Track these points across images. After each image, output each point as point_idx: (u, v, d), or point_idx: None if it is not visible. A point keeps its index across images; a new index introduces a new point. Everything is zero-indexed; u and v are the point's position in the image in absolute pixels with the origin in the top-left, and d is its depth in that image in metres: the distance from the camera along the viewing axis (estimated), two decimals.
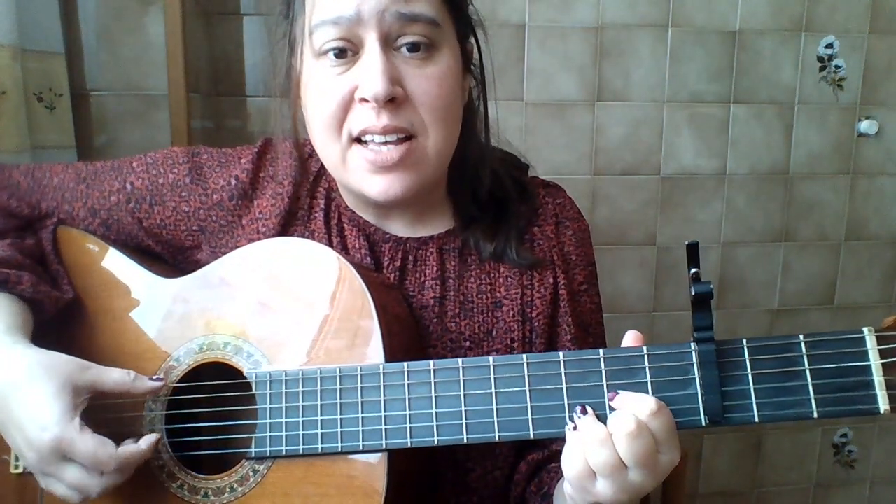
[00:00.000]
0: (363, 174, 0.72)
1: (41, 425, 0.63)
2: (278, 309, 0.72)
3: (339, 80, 0.70)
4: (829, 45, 1.77)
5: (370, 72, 0.68)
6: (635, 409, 0.59)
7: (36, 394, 0.64)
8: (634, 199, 1.79)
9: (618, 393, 0.62)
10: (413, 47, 0.70)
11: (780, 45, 1.76)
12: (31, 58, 1.19)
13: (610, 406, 0.62)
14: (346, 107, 0.71)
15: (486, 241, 0.80)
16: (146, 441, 0.68)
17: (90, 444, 0.64)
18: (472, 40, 0.80)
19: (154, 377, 0.70)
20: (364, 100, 0.69)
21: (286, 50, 0.77)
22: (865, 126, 1.81)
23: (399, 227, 0.82)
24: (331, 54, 0.70)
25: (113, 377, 0.68)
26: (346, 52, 0.70)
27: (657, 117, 1.76)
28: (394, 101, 0.69)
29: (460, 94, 0.76)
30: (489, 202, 0.82)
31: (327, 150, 0.74)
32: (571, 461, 0.60)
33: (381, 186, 0.72)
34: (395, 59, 0.70)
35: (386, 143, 0.70)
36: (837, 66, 1.79)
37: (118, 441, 0.66)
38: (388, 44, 0.69)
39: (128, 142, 1.38)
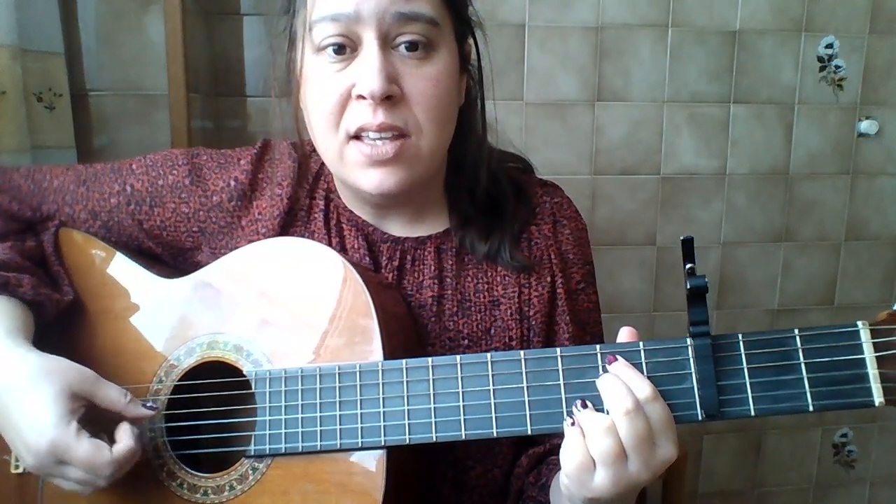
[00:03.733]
0: (359, 168, 0.73)
1: (38, 430, 0.64)
2: (278, 308, 0.72)
3: (338, 76, 0.71)
4: (829, 45, 1.78)
5: (368, 70, 0.68)
6: (632, 386, 0.60)
7: (35, 398, 0.65)
8: (634, 199, 1.79)
9: (617, 358, 0.62)
10: (411, 46, 0.70)
11: (780, 45, 1.76)
12: (30, 58, 1.19)
13: (605, 368, 0.62)
14: (344, 104, 0.71)
15: (480, 241, 0.81)
16: (126, 434, 0.66)
17: (86, 449, 0.64)
18: (471, 41, 0.80)
19: (148, 404, 0.70)
20: (361, 97, 0.70)
21: (286, 44, 0.77)
22: (865, 126, 1.81)
23: (397, 227, 0.82)
24: (329, 50, 0.70)
25: (109, 394, 0.68)
26: (345, 48, 0.70)
27: (657, 117, 1.76)
28: (390, 99, 0.70)
29: (456, 95, 0.77)
30: (485, 202, 0.82)
31: (325, 144, 0.75)
32: (570, 454, 0.60)
33: (375, 180, 0.73)
34: (393, 57, 0.70)
35: (381, 138, 0.71)
36: (837, 66, 1.79)
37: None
38: (386, 42, 0.70)
39: (128, 142, 1.38)
